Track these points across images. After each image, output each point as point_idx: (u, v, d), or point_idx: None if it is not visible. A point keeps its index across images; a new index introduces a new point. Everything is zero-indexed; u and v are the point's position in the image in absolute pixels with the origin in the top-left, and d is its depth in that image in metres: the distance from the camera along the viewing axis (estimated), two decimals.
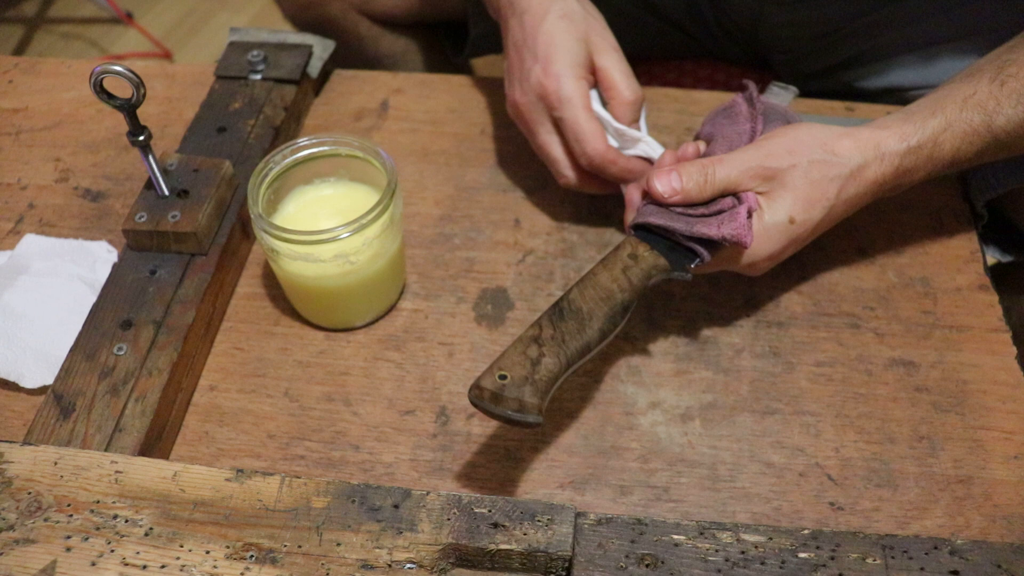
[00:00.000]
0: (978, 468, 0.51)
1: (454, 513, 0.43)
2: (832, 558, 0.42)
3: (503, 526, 0.42)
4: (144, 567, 0.41)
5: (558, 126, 0.60)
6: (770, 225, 0.53)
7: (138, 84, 0.52)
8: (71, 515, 0.43)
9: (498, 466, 0.52)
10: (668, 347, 0.58)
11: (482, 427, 0.54)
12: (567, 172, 0.61)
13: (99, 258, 0.61)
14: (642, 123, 0.62)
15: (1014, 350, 0.57)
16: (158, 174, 0.58)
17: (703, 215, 0.52)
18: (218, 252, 0.58)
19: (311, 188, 0.59)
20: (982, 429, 0.53)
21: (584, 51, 0.59)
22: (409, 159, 0.70)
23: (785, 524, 0.49)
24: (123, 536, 0.42)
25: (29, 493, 0.44)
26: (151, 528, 0.43)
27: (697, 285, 0.61)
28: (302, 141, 0.57)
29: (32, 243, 0.62)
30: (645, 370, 0.56)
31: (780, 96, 0.63)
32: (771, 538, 0.42)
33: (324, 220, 0.57)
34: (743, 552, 0.42)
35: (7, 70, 0.78)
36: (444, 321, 0.59)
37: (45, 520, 0.43)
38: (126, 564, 0.41)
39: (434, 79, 0.76)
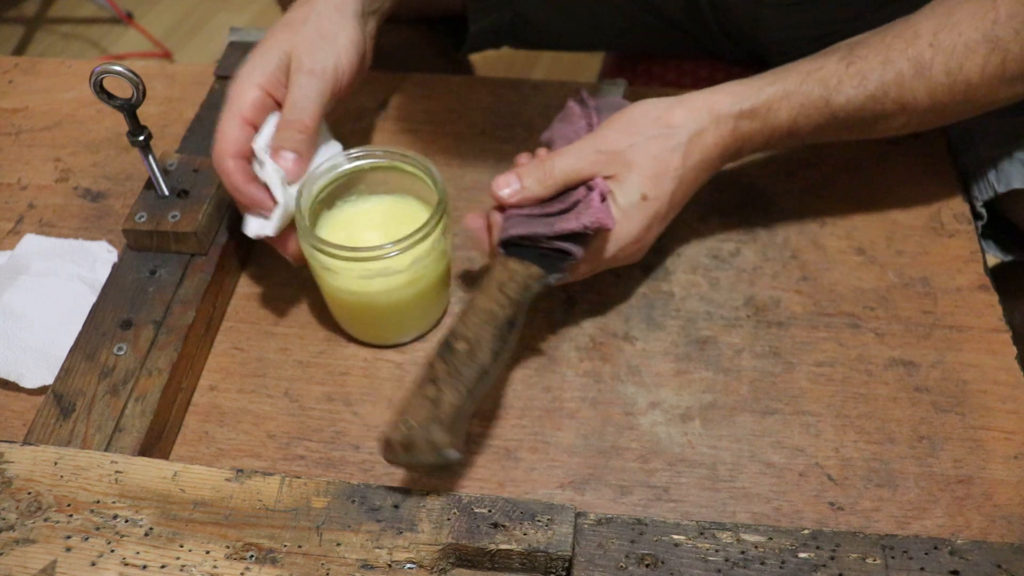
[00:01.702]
0: (978, 468, 0.51)
1: (454, 513, 0.43)
2: (832, 558, 0.42)
3: (503, 526, 0.42)
4: (144, 567, 0.41)
5: None
6: (626, 206, 0.52)
7: (138, 84, 0.52)
8: (71, 515, 0.43)
9: (498, 466, 0.52)
10: (668, 347, 0.58)
11: (482, 427, 0.54)
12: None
13: (99, 258, 0.61)
14: (319, 162, 0.56)
15: (1014, 350, 0.57)
16: (158, 174, 0.58)
17: (561, 211, 0.52)
18: (218, 252, 0.58)
19: (351, 200, 0.58)
20: (982, 429, 0.53)
21: (280, 63, 0.55)
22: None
23: (785, 524, 0.49)
24: (123, 536, 0.42)
25: (29, 493, 0.44)
26: (151, 528, 0.43)
27: (697, 285, 0.61)
28: (355, 152, 0.56)
29: (32, 243, 0.62)
30: (645, 370, 0.56)
31: (612, 91, 0.64)
32: (771, 538, 0.42)
33: (365, 234, 0.56)
34: (743, 552, 0.42)
35: (7, 70, 0.78)
36: (444, 321, 0.59)
37: (45, 520, 0.43)
38: (126, 564, 0.42)
39: (434, 79, 0.76)
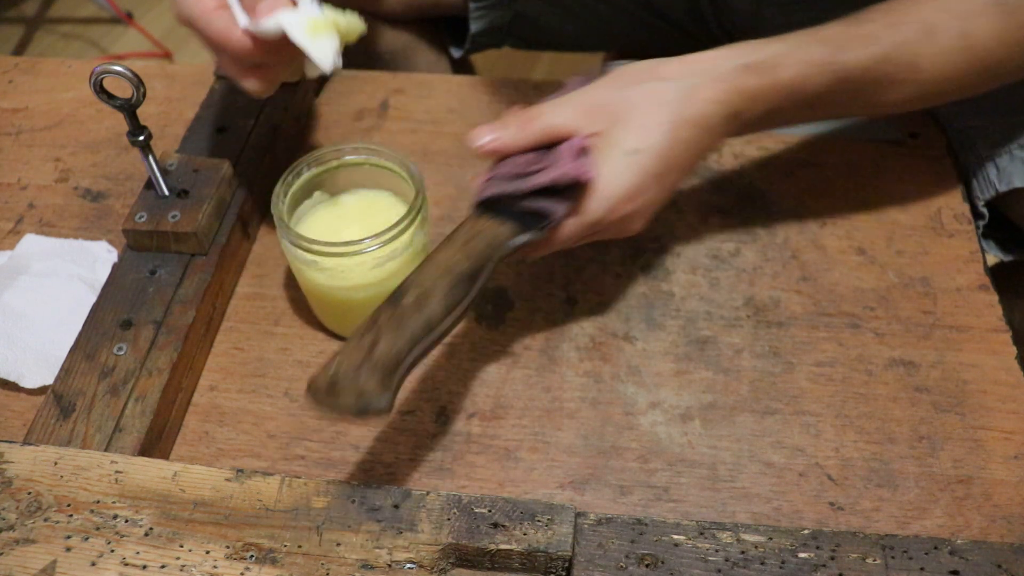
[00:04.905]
0: (978, 468, 0.51)
1: (454, 513, 0.43)
2: (832, 558, 0.42)
3: (503, 526, 0.42)
4: (144, 567, 0.41)
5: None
6: (612, 160, 0.49)
7: (138, 84, 0.52)
8: (71, 515, 0.43)
9: (498, 466, 0.52)
10: (668, 347, 0.58)
11: (482, 427, 0.54)
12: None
13: (99, 258, 0.61)
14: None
15: (1014, 350, 0.57)
16: (158, 174, 0.58)
17: (539, 170, 0.48)
18: (218, 252, 0.58)
19: (327, 197, 0.58)
20: (982, 429, 0.53)
21: None
22: (409, 159, 0.69)
23: (785, 524, 0.49)
24: (123, 536, 0.42)
25: (29, 493, 0.44)
26: (151, 528, 0.43)
27: (697, 285, 0.61)
28: (326, 150, 0.56)
29: (32, 243, 0.62)
30: (645, 370, 0.56)
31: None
32: (771, 538, 0.42)
33: (345, 230, 0.56)
34: (743, 552, 0.42)
35: (7, 70, 0.78)
36: None
37: (45, 520, 0.43)
38: (126, 564, 0.42)
39: (434, 79, 0.76)
